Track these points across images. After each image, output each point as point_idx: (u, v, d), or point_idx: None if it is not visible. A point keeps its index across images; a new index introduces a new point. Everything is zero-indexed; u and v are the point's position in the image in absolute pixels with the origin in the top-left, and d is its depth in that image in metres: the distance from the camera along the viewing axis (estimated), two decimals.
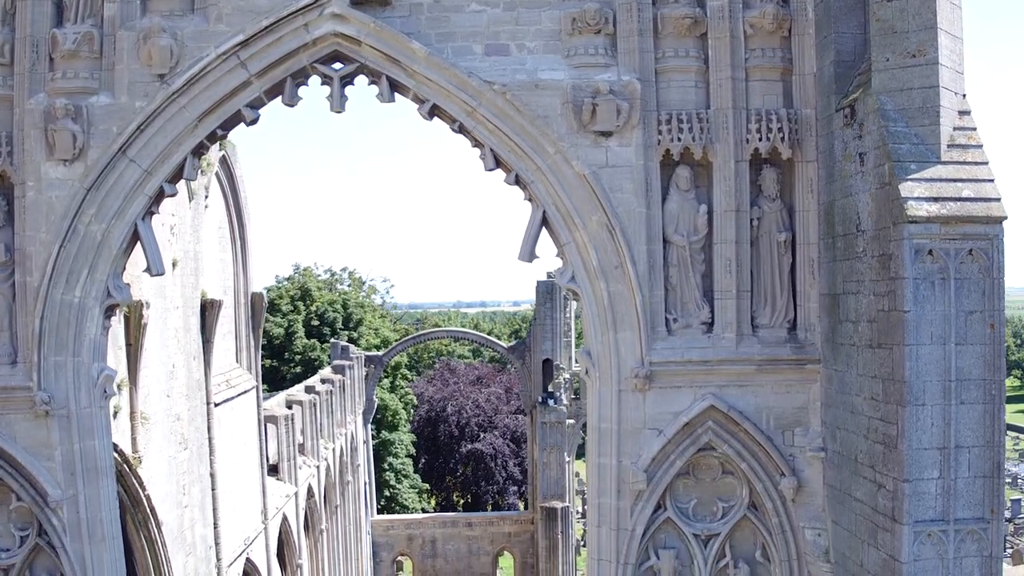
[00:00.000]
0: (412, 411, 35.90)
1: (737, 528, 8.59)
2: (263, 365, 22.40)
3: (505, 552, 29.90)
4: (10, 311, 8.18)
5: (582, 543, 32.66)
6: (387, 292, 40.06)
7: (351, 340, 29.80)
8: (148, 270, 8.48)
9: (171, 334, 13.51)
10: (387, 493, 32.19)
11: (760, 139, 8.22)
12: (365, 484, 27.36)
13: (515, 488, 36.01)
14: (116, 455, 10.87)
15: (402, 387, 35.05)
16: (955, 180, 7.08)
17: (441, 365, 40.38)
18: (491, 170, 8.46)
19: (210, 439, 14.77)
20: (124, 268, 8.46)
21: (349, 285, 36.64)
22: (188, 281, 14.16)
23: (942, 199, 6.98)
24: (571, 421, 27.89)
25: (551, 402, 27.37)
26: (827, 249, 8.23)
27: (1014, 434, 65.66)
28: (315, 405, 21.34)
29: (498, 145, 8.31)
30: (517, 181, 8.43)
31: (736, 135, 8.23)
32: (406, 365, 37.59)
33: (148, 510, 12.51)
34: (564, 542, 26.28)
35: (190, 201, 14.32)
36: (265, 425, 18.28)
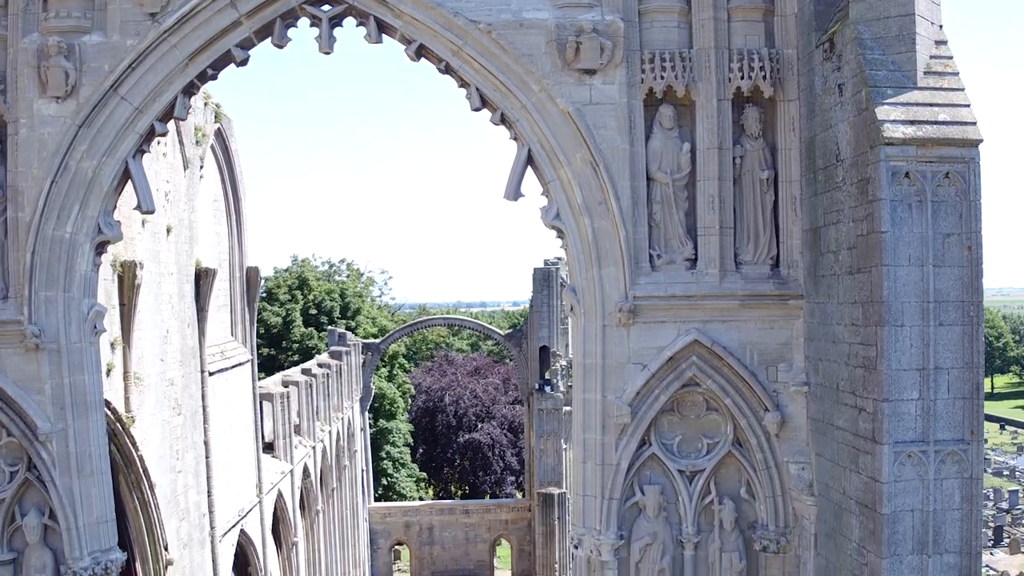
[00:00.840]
0: (410, 401, 35.93)
1: (722, 465, 8.64)
2: (260, 353, 22.47)
3: (502, 541, 29.84)
4: (2, 247, 8.28)
5: None
6: (385, 284, 40.15)
7: (349, 329, 29.88)
8: (139, 207, 8.58)
9: (165, 299, 13.61)
10: (384, 482, 32.17)
11: (742, 78, 8.33)
12: (362, 471, 27.36)
13: (512, 478, 35.97)
14: (109, 412, 10.95)
15: (399, 376, 35.10)
16: (931, 105, 7.18)
17: (439, 356, 40.41)
18: (477, 110, 8.57)
19: (204, 407, 14.83)
20: (115, 206, 8.56)
21: (347, 276, 36.75)
22: (182, 248, 14.27)
23: (918, 122, 7.07)
24: (568, 408, 27.89)
25: (548, 389, 27.39)
26: (808, 185, 8.33)
27: (1012, 428, 65.72)
28: (311, 386, 21.39)
29: (484, 84, 8.42)
30: (503, 120, 8.55)
31: (718, 74, 8.34)
32: (403, 355, 37.64)
33: (141, 471, 12.55)
34: (561, 528, 26.23)
35: (185, 170, 14.45)
36: (261, 402, 18.35)
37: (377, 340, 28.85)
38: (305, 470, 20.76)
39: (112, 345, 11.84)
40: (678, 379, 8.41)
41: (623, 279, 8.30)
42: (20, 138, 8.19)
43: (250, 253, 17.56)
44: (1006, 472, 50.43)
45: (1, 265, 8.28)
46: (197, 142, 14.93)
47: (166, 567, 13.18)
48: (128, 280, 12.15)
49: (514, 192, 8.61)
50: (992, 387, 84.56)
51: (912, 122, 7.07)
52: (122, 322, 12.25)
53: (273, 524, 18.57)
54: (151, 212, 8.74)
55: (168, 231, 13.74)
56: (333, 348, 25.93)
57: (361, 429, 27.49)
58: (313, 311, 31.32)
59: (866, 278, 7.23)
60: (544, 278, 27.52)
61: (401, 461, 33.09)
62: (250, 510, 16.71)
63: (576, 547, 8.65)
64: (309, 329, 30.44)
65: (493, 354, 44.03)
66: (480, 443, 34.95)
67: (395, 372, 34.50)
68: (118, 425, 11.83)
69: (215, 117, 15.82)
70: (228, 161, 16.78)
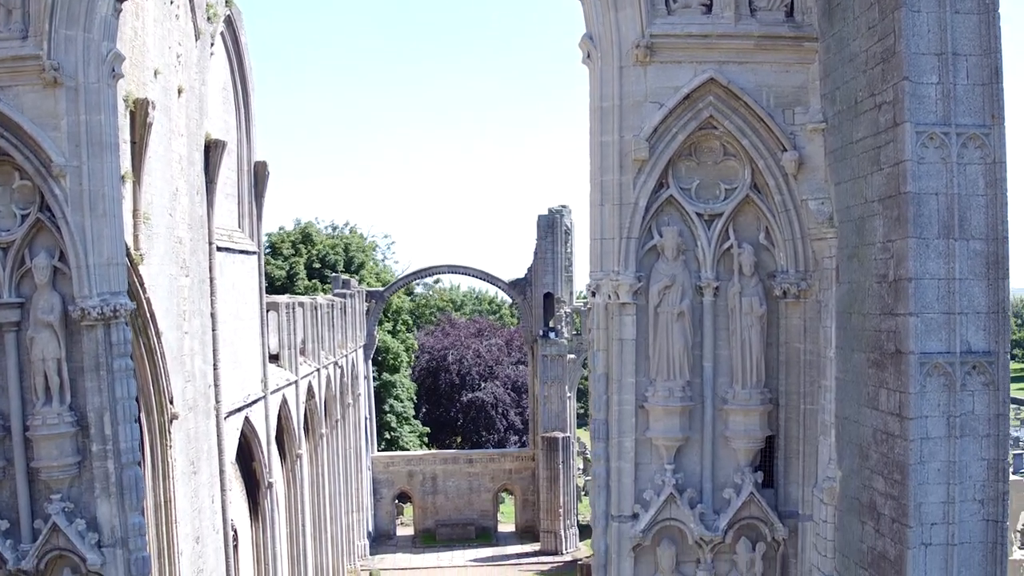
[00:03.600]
0: (413, 357, 35.62)
1: (740, 211, 8.59)
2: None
3: (505, 497, 29.26)
4: None
5: (584, 491, 31.99)
6: (388, 248, 40.13)
7: None
8: None
9: (175, 159, 13.63)
10: (388, 436, 31.69)
11: None
12: (366, 419, 26.99)
13: (515, 437, 35.48)
14: None
15: (402, 332, 34.86)
16: None
17: (442, 319, 40.26)
18: None
19: (211, 279, 14.74)
20: None
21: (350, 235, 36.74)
22: (192, 116, 14.34)
23: None
24: (572, 356, 27.70)
25: (552, 335, 27.24)
26: None
27: (1015, 406, 65.62)
28: (316, 309, 21.27)
29: None
30: None
31: None
32: (407, 312, 37.41)
33: (148, 315, 12.40)
34: (566, 472, 25.82)
35: (196, 40, 14.61)
36: (267, 312, 18.22)
37: (381, 288, 28.74)
38: (310, 390, 20.51)
39: (123, 178, 11.81)
40: (695, 119, 8.42)
41: (640, 18, 8.37)
42: None
43: (257, 148, 17.63)
44: (1010, 442, 50.51)
45: (22, 8, 8.32)
46: (209, 19, 15.11)
47: (171, 420, 12.93)
48: (140, 117, 12.18)
49: None
50: None
51: None
52: (133, 159, 12.24)
53: (278, 434, 18.27)
54: None
55: (179, 92, 13.82)
56: (337, 291, 25.83)
57: (365, 377, 27.21)
58: (317, 265, 31.27)
59: None
60: (548, 225, 27.57)
61: (404, 416, 32.67)
62: (256, 400, 16.47)
63: (593, 294, 8.54)
64: (313, 282, 30.35)
65: (495, 319, 43.83)
66: (483, 402, 34.58)
67: (398, 328, 34.29)
68: (126, 260, 11.73)
69: (226, 2, 16.04)
70: (238, 53, 16.95)
